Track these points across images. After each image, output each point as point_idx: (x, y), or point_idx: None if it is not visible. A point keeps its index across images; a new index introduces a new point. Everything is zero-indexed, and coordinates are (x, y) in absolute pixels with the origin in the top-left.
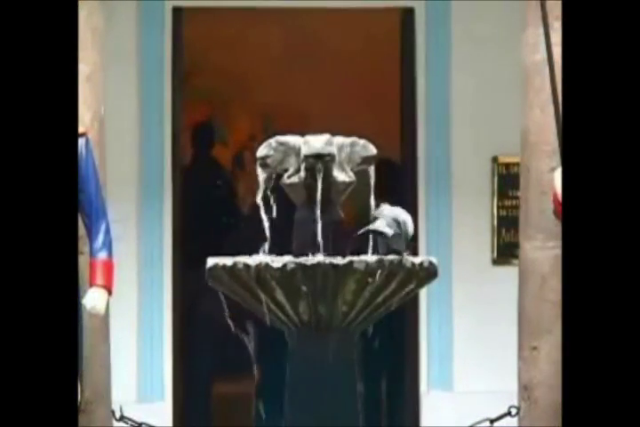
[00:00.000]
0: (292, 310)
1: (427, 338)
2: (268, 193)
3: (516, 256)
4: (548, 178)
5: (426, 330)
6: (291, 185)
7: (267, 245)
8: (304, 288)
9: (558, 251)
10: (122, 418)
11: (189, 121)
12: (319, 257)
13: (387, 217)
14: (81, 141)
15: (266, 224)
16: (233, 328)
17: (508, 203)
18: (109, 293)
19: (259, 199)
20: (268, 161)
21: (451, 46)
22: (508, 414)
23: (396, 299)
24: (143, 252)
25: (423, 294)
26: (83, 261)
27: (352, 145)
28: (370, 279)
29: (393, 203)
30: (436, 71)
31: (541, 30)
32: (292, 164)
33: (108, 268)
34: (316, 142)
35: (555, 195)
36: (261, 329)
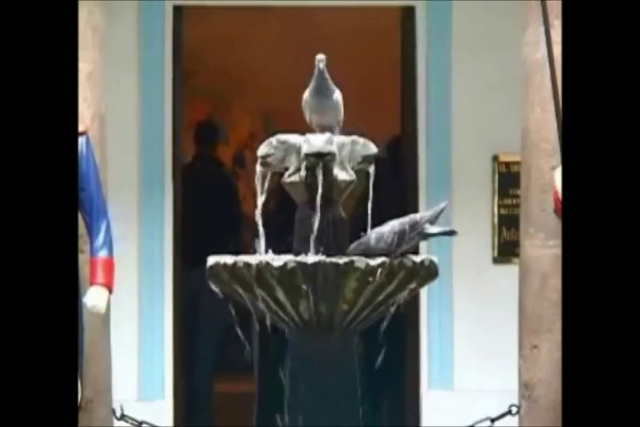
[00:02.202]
0: (292, 309)
1: (427, 337)
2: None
3: (517, 255)
4: (548, 176)
5: (426, 329)
6: (291, 184)
7: (262, 244)
8: (305, 287)
9: (559, 249)
10: (122, 417)
11: (190, 119)
12: (320, 256)
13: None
14: (81, 140)
15: (259, 222)
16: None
17: (508, 201)
18: (110, 291)
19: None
20: (269, 160)
21: (451, 45)
22: (509, 412)
23: (396, 298)
24: (144, 250)
25: (424, 292)
26: (83, 259)
27: (352, 144)
28: (370, 278)
29: (393, 201)
30: (437, 70)
31: (542, 29)
32: (292, 162)
33: (109, 266)
34: (316, 141)
35: (555, 193)
36: (262, 328)
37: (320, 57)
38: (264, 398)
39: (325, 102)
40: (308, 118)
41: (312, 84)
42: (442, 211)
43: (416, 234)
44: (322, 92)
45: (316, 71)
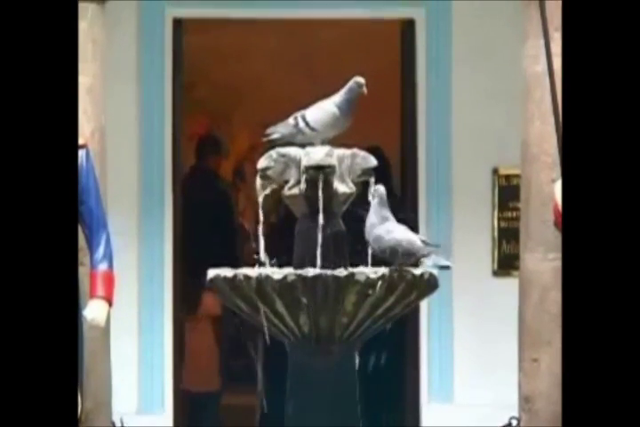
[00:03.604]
0: (292, 322)
1: (427, 350)
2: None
3: (517, 268)
4: (548, 189)
5: (426, 342)
6: (291, 197)
7: (262, 256)
8: (304, 300)
9: (559, 262)
10: None
11: (190, 132)
12: (320, 269)
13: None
14: (81, 153)
15: (261, 236)
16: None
17: (508, 214)
18: (110, 304)
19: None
20: (269, 173)
21: (451, 57)
22: (509, 425)
23: (396, 311)
24: (143, 263)
25: (424, 305)
26: (83, 272)
27: (352, 156)
28: (370, 291)
29: (393, 215)
30: (437, 82)
31: (542, 41)
32: (292, 175)
33: (109, 279)
34: (316, 154)
35: (555, 206)
36: (265, 341)
37: (362, 81)
38: (267, 411)
39: (348, 124)
40: (316, 127)
41: (348, 104)
42: (436, 248)
43: (409, 262)
44: (351, 115)
45: (354, 95)
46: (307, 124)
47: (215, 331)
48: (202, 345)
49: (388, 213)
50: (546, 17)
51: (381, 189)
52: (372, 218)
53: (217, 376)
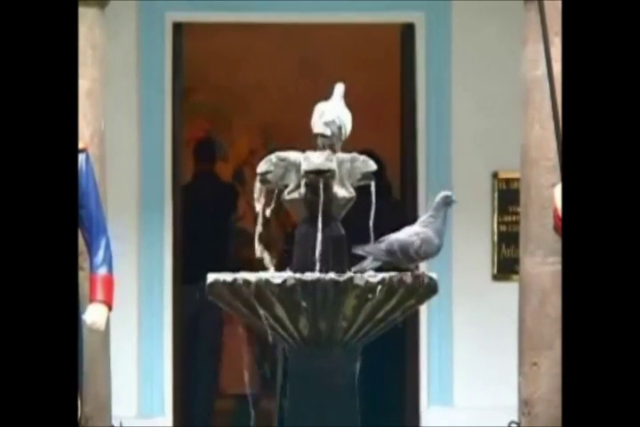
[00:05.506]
0: (292, 326)
1: (427, 353)
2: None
3: (517, 272)
4: (548, 193)
5: (426, 345)
6: (291, 201)
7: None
8: (304, 304)
9: (558, 266)
10: None
11: (190, 136)
12: (319, 273)
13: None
14: (81, 157)
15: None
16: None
17: (508, 218)
18: (109, 308)
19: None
20: (269, 177)
21: (451, 61)
22: None
23: (396, 315)
24: (143, 267)
25: (423, 309)
26: (83, 276)
27: (352, 161)
28: (370, 295)
29: (393, 218)
30: (437, 86)
31: (542, 46)
32: (292, 179)
33: (109, 283)
34: (316, 158)
35: (555, 210)
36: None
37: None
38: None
39: None
40: (343, 136)
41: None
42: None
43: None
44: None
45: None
46: (339, 128)
47: (248, 334)
48: (237, 348)
49: (425, 217)
50: (545, 22)
51: (442, 195)
52: None
53: (252, 379)
